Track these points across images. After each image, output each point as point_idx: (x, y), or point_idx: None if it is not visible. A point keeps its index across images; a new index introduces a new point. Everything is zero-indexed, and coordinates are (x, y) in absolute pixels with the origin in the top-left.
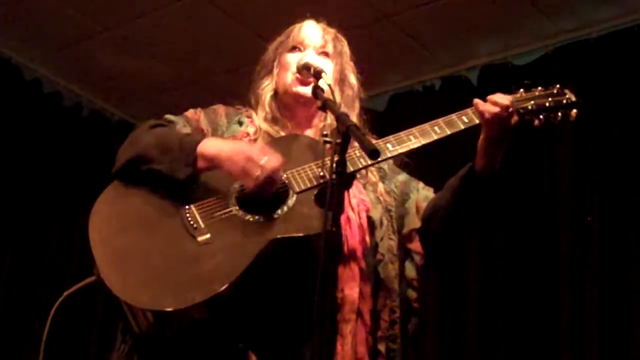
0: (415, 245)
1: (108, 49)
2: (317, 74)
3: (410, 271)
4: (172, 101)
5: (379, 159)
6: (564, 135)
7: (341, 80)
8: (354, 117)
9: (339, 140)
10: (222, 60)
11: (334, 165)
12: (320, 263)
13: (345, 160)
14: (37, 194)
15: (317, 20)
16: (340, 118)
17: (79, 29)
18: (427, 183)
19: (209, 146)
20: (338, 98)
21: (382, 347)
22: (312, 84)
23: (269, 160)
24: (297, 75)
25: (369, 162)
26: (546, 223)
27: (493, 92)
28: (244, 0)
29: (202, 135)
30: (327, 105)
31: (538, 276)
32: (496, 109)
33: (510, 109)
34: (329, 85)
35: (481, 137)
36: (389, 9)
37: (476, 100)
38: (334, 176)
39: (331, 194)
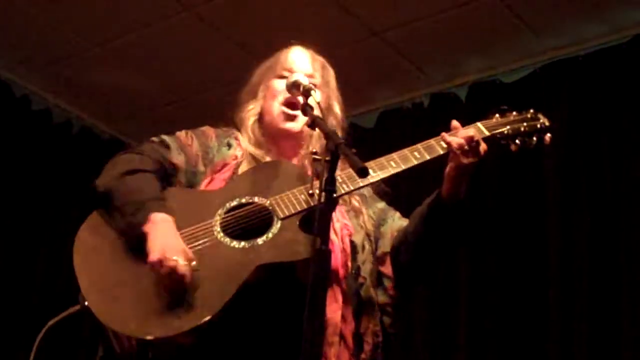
0: (387, 269)
1: (98, 65)
2: (306, 92)
3: (382, 296)
4: (163, 117)
5: (362, 185)
6: (554, 151)
7: (326, 109)
8: None
9: (328, 158)
10: (212, 77)
11: (324, 183)
12: (309, 286)
13: (335, 178)
14: (26, 211)
15: (306, 46)
16: (330, 136)
17: (69, 46)
18: (403, 211)
19: (150, 227)
20: None
21: None
22: (302, 103)
23: (180, 262)
24: (284, 108)
25: (351, 187)
26: (535, 232)
27: (481, 109)
28: (234, 17)
29: (194, 161)
30: (316, 123)
31: (528, 279)
32: (461, 140)
33: (476, 139)
34: (318, 103)
35: (450, 165)
36: (378, 26)
37: (443, 134)
38: (322, 194)
39: (320, 215)
